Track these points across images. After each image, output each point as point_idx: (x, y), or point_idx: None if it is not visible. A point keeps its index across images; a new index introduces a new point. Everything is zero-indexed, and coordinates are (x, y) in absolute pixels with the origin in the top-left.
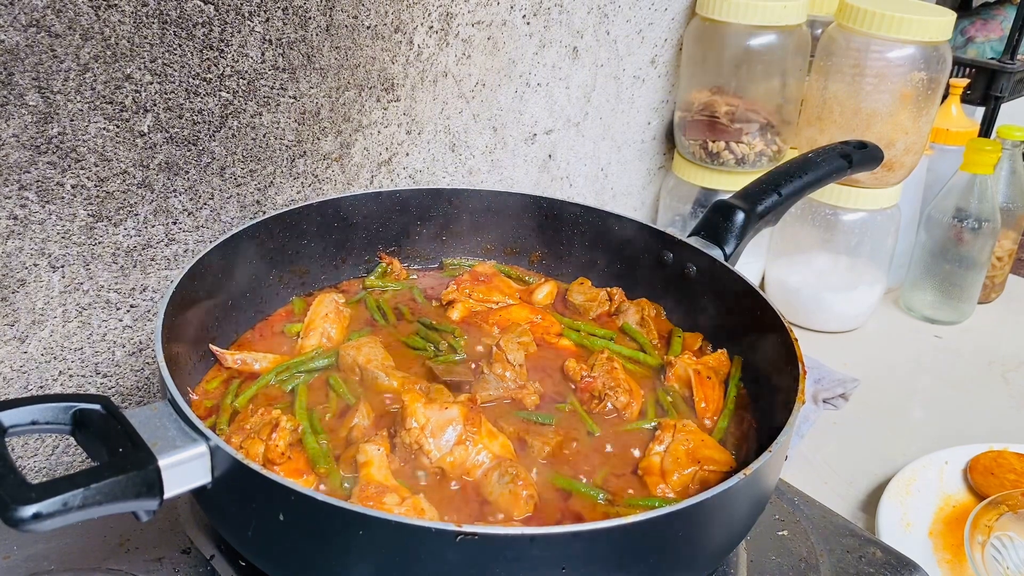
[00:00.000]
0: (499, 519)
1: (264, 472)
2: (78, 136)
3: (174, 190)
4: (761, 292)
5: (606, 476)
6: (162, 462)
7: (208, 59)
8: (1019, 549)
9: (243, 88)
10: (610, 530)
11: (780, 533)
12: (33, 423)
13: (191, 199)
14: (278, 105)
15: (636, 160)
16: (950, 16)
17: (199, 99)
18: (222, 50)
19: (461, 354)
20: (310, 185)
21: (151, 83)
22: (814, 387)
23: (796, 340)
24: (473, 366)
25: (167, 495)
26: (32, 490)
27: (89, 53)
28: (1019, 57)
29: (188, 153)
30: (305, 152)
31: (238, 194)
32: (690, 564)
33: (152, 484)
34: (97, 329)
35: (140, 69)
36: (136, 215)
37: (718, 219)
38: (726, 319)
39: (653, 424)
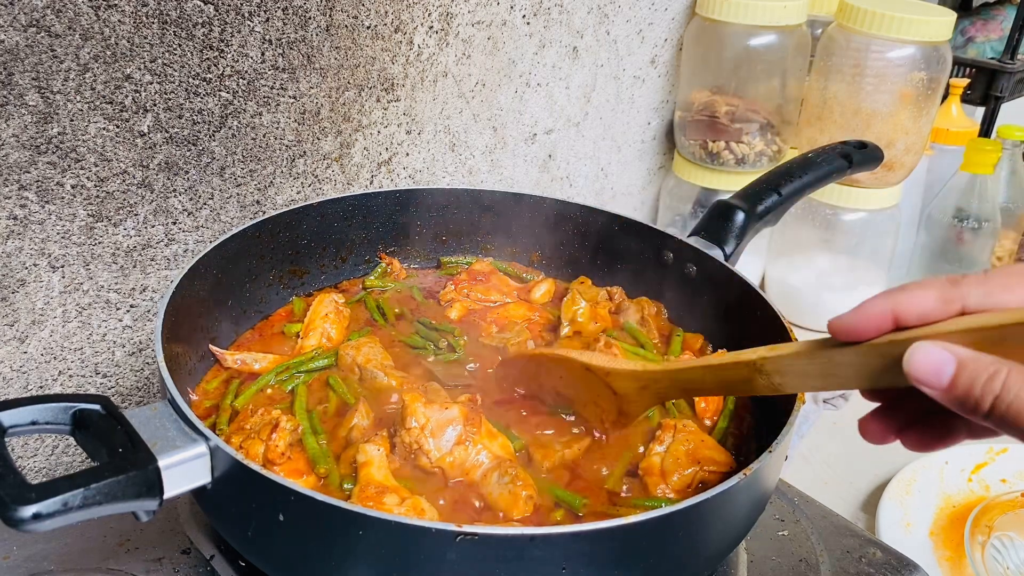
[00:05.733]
0: (499, 519)
1: (264, 472)
2: (78, 136)
3: (174, 190)
4: (761, 292)
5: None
6: (162, 462)
7: (208, 59)
8: (1019, 549)
9: (243, 88)
10: (610, 530)
11: (780, 533)
12: (33, 423)
13: (191, 199)
14: (278, 105)
15: (636, 160)
16: (950, 16)
17: (199, 99)
18: (222, 50)
19: (460, 353)
20: (310, 185)
21: (151, 83)
22: None
23: (796, 340)
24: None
25: (167, 495)
26: (32, 490)
27: (89, 53)
28: (1019, 57)
29: (188, 153)
30: (305, 152)
31: (238, 194)
32: (690, 564)
33: (152, 484)
34: (97, 329)
35: (140, 69)
36: (136, 215)
37: (718, 219)
38: (726, 319)
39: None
